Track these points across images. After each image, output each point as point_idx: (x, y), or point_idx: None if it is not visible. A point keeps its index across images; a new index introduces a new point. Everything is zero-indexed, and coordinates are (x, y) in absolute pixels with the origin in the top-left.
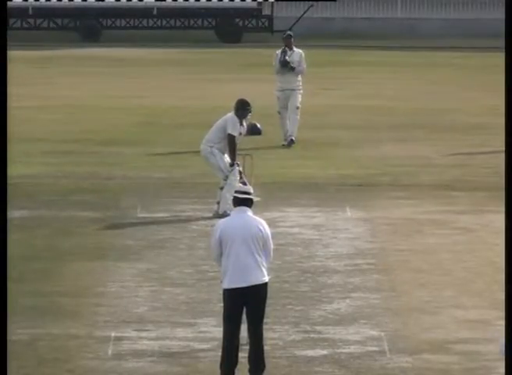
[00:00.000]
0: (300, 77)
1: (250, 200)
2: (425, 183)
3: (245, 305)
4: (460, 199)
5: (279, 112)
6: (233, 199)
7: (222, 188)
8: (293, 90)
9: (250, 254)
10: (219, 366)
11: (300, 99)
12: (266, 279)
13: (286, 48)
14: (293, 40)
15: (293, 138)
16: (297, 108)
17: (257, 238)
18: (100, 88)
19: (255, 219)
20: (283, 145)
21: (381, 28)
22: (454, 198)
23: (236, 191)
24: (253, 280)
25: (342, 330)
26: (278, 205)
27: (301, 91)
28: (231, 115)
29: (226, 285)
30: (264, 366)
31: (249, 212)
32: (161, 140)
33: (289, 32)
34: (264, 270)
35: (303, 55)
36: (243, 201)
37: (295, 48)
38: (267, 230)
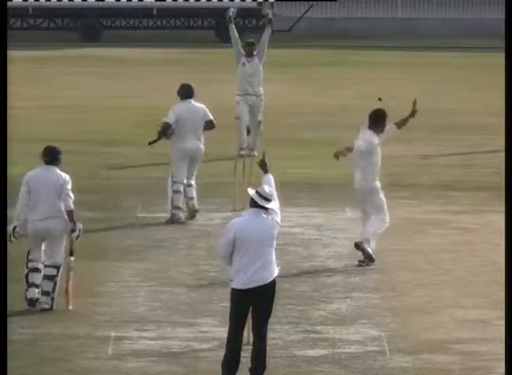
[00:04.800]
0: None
1: (266, 207)
2: (425, 183)
3: (253, 304)
4: (460, 199)
5: (238, 118)
6: (251, 200)
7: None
8: (258, 96)
9: (265, 255)
10: (221, 363)
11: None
12: (276, 273)
13: (246, 56)
14: (254, 47)
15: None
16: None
17: (273, 239)
18: (100, 88)
19: (270, 220)
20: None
21: (381, 28)
22: (454, 198)
23: (256, 193)
24: (266, 278)
25: (342, 330)
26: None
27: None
28: (201, 104)
29: (238, 285)
30: (264, 367)
31: (263, 214)
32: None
33: (251, 40)
34: (275, 266)
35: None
36: (258, 205)
37: (255, 53)
38: (279, 219)
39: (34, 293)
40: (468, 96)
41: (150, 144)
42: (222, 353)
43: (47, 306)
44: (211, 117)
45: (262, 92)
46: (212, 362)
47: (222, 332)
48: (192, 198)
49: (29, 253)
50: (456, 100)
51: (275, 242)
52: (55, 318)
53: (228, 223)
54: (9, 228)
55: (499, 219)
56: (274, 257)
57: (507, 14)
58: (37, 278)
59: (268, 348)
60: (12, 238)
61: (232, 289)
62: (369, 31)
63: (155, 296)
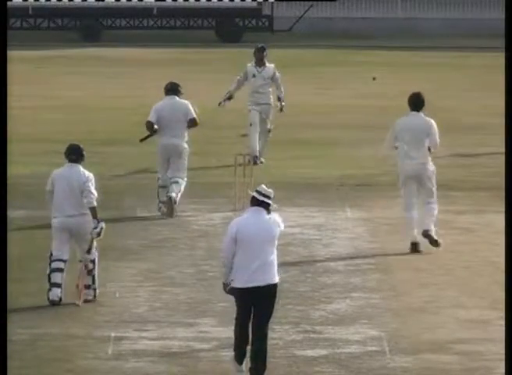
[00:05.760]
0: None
1: (267, 203)
2: None
3: (254, 303)
4: (460, 199)
5: (250, 124)
6: (252, 199)
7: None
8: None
9: (265, 254)
10: (233, 358)
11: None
12: (277, 279)
13: (256, 65)
14: (265, 54)
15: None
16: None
17: (273, 238)
18: (100, 88)
19: (271, 219)
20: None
21: (381, 28)
22: (454, 198)
23: (256, 191)
24: (266, 279)
25: (342, 330)
26: (278, 205)
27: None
28: (184, 101)
29: (238, 284)
30: (265, 367)
31: (265, 213)
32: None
33: (262, 45)
34: (275, 271)
35: (276, 72)
36: (260, 203)
37: (267, 64)
38: (282, 227)
39: (57, 294)
40: (468, 96)
41: (141, 140)
42: (222, 353)
43: (90, 297)
44: (194, 115)
45: (272, 101)
46: (212, 362)
47: (222, 332)
48: (173, 192)
49: (51, 252)
50: (456, 100)
51: (276, 242)
52: (54, 318)
53: (229, 223)
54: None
55: (499, 219)
56: (275, 258)
57: (507, 14)
58: (59, 278)
59: (268, 348)
60: None
61: (233, 288)
62: (369, 31)
63: (155, 296)
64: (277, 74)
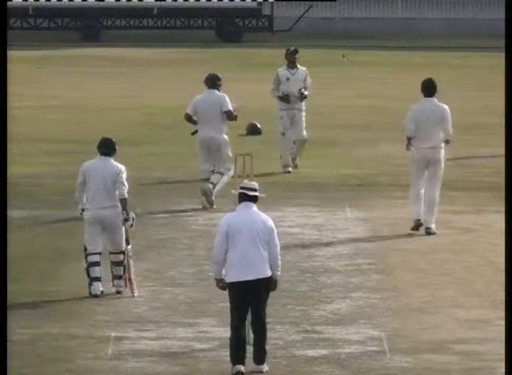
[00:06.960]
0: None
1: (256, 196)
2: None
3: (249, 298)
4: (460, 199)
5: (283, 134)
6: (239, 195)
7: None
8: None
9: (256, 248)
10: (229, 358)
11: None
12: (269, 273)
13: (288, 68)
14: (297, 56)
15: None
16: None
17: (263, 233)
18: (100, 88)
19: (261, 215)
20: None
21: (381, 28)
22: (454, 198)
23: (241, 187)
24: (258, 273)
25: (342, 330)
26: (278, 205)
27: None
28: (222, 94)
29: (232, 278)
30: (264, 352)
31: (254, 208)
32: (161, 139)
33: (295, 47)
34: (267, 265)
35: (308, 75)
36: (249, 197)
37: (299, 66)
38: (272, 225)
39: (98, 288)
40: (468, 96)
41: (192, 134)
42: (222, 353)
43: (121, 289)
44: (230, 108)
45: (304, 107)
46: (212, 362)
47: (222, 332)
48: (212, 184)
49: (85, 247)
50: (456, 100)
51: (267, 238)
52: (54, 318)
53: (220, 220)
54: (79, 209)
55: (499, 219)
56: (265, 254)
57: (507, 14)
58: (98, 272)
59: (268, 348)
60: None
61: (228, 283)
62: (369, 31)
63: (155, 296)
64: (309, 78)
